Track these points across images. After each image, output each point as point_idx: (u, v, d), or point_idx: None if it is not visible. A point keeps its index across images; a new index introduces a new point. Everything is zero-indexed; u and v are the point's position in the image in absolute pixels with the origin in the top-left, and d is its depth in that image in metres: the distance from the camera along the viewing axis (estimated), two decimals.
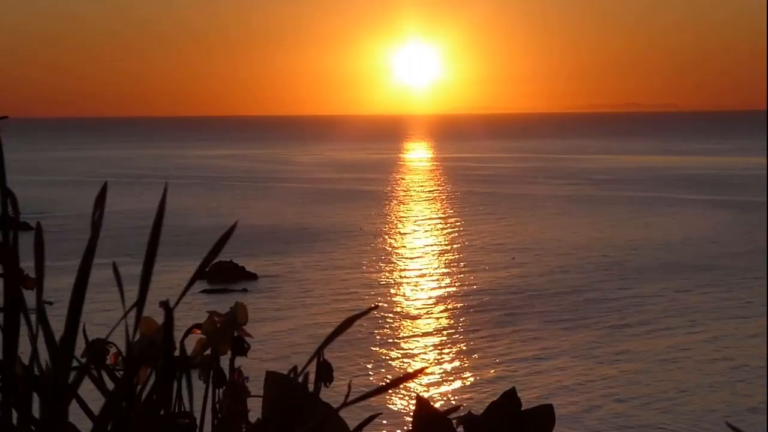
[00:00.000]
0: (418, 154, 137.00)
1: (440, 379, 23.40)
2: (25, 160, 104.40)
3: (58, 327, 1.73)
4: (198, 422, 2.13)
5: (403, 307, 30.83)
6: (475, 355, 25.52)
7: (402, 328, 28.21)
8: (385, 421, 18.51)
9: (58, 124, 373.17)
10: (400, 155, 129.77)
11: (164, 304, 1.69)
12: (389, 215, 56.30)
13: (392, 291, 33.40)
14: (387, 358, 24.99)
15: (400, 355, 25.35)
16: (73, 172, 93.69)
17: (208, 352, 2.28)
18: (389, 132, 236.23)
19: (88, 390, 1.88)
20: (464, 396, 22.03)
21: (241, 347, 2.30)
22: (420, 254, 41.89)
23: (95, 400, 1.84)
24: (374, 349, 25.57)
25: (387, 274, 36.57)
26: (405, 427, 17.52)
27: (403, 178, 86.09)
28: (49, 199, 63.36)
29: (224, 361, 2.31)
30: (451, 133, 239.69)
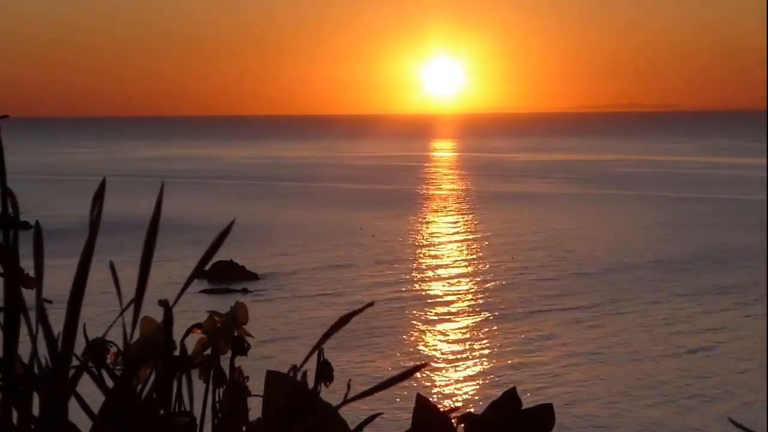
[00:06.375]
0: (429, 153, 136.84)
1: (440, 378, 23.41)
2: (24, 155, 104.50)
3: (57, 326, 1.73)
4: (198, 422, 2.13)
5: (402, 306, 30.83)
6: (475, 353, 25.53)
7: (401, 326, 28.21)
8: (384, 421, 18.51)
9: (69, 123, 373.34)
10: (406, 154, 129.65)
11: (164, 303, 1.69)
12: (389, 214, 56.29)
13: (392, 290, 33.39)
14: (386, 356, 25.00)
15: (399, 354, 25.36)
16: (70, 170, 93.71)
17: (208, 351, 2.28)
18: (410, 132, 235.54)
19: (87, 389, 1.88)
20: (464, 395, 22.04)
21: (241, 347, 2.30)
22: (420, 253, 41.90)
23: (95, 399, 1.84)
24: (374, 347, 25.57)
25: (387, 273, 36.57)
26: (405, 427, 17.52)
27: (406, 178, 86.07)
28: (48, 197, 63.39)
29: (224, 361, 2.31)
30: (467, 131, 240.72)
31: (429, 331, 28.14)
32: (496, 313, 29.96)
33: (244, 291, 32.82)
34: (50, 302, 1.78)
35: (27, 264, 1.82)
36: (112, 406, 1.71)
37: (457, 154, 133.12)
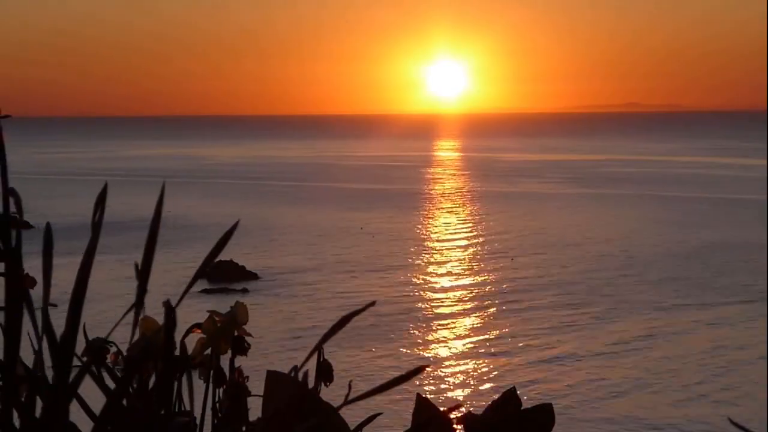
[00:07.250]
0: (430, 153, 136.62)
1: (440, 377, 23.40)
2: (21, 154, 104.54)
3: (58, 326, 1.73)
4: (198, 422, 2.13)
5: (403, 306, 30.83)
6: (475, 353, 25.53)
7: (402, 326, 28.22)
8: (385, 420, 18.50)
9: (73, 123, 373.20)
10: (408, 154, 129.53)
11: (166, 304, 1.69)
12: (389, 214, 56.27)
13: (392, 289, 33.39)
14: (387, 356, 25.00)
15: (400, 353, 25.35)
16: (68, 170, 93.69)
17: (208, 351, 2.28)
18: (413, 132, 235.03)
19: (88, 389, 1.89)
20: (464, 394, 22.04)
21: (241, 347, 2.30)
22: (420, 253, 41.89)
23: (96, 400, 1.85)
24: (374, 347, 25.57)
25: (387, 273, 36.56)
26: (405, 427, 17.50)
27: (407, 177, 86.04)
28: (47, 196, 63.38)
29: (224, 361, 2.31)
30: (469, 131, 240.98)
31: (430, 330, 28.13)
32: (496, 314, 29.95)
33: (244, 291, 32.81)
34: (55, 306, 1.79)
35: (29, 264, 1.83)
36: (112, 407, 1.71)
37: (458, 154, 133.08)
